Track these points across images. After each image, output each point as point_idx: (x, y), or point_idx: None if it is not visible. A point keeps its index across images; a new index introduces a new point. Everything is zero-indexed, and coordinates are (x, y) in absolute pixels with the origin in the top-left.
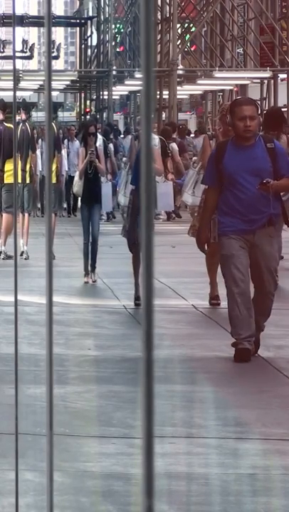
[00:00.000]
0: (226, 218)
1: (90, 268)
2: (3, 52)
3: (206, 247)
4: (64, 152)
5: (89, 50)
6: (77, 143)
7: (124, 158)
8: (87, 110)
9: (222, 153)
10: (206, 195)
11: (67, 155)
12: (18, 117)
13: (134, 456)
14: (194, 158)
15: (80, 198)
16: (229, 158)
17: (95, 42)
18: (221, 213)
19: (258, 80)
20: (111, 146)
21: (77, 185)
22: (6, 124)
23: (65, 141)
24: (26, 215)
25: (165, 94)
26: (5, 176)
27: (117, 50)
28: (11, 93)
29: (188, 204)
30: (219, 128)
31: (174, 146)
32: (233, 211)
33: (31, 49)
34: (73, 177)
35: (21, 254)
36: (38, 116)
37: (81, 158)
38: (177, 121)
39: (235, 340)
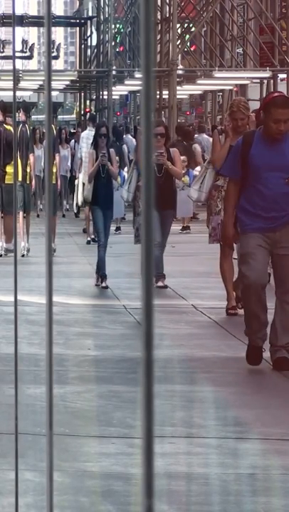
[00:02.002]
0: (247, 216)
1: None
2: (3, 52)
3: (232, 243)
4: (68, 153)
5: (89, 50)
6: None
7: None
8: (87, 110)
9: (249, 145)
10: (227, 189)
11: (72, 157)
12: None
13: (134, 456)
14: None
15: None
16: (257, 152)
17: (94, 42)
18: (242, 211)
19: (258, 80)
20: (125, 147)
21: (86, 190)
22: (5, 126)
23: (72, 142)
24: (27, 215)
25: (165, 94)
26: (6, 176)
27: (117, 50)
28: (11, 93)
29: (192, 199)
30: (229, 124)
31: (197, 147)
32: (254, 208)
33: (31, 49)
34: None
35: (23, 253)
36: (38, 116)
37: (91, 161)
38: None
39: (248, 337)
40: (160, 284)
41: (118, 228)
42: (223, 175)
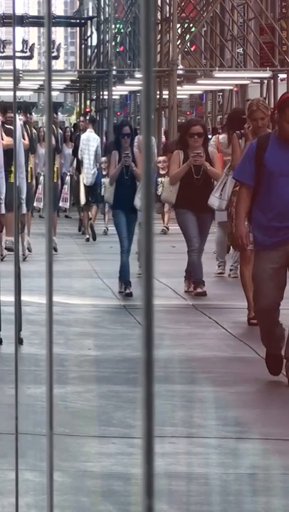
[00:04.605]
0: (260, 231)
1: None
2: (3, 52)
3: (246, 242)
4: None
5: (89, 50)
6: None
7: (103, 158)
8: (87, 110)
9: (263, 149)
10: (239, 194)
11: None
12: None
13: (134, 456)
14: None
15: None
16: (271, 156)
17: (95, 42)
18: (255, 225)
19: (258, 80)
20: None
21: (108, 192)
22: (7, 126)
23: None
24: (28, 213)
25: (165, 94)
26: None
27: (117, 50)
28: (11, 93)
29: (214, 208)
30: (248, 126)
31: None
32: (267, 218)
33: (31, 49)
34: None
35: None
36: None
37: (113, 162)
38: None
39: (266, 347)
40: (199, 290)
41: (105, 231)
42: (238, 179)
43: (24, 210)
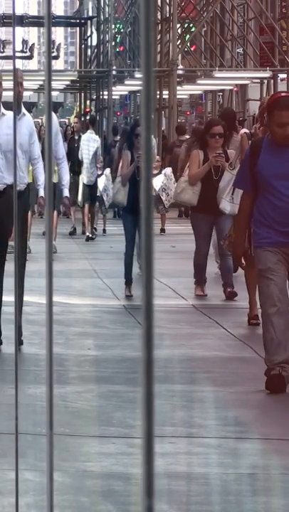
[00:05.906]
0: (262, 229)
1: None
2: (3, 52)
3: (242, 260)
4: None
5: (89, 50)
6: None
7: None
8: (87, 110)
9: (257, 154)
10: (240, 202)
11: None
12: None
13: (134, 456)
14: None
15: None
16: (264, 160)
17: (95, 42)
18: (256, 223)
19: (258, 80)
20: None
21: (122, 194)
22: None
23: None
24: (29, 212)
25: (165, 94)
26: None
27: (117, 50)
28: (11, 93)
29: (226, 212)
30: (259, 126)
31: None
32: (268, 221)
33: (31, 49)
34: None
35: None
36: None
37: (125, 163)
38: (177, 122)
39: (268, 366)
40: (200, 292)
41: (104, 230)
42: (236, 187)
43: (66, 192)
